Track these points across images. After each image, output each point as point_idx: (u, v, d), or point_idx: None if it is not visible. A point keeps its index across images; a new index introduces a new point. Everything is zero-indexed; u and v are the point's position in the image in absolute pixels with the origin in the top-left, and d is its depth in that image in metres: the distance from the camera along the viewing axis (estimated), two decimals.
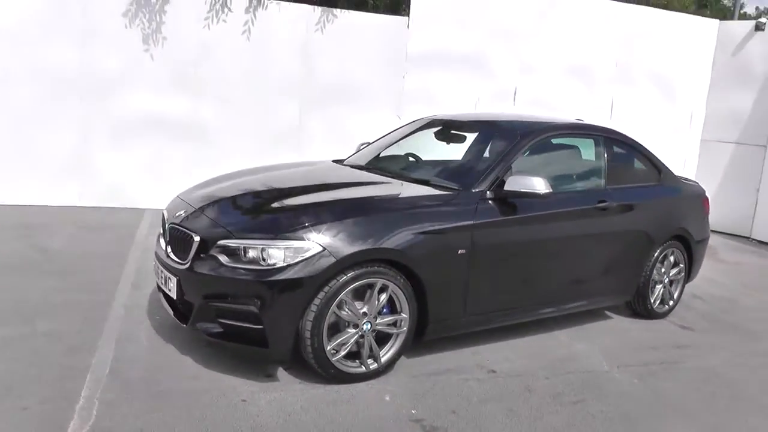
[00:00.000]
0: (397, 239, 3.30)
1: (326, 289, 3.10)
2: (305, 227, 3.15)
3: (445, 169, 4.34)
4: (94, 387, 3.07)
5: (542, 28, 8.38)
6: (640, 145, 4.85)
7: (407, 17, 7.79)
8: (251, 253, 3.12)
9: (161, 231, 3.81)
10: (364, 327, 3.28)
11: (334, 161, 4.89)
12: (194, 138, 7.17)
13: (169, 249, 3.51)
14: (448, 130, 4.71)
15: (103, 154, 6.88)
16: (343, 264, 3.12)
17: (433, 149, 4.86)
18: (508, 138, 4.11)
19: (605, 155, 4.51)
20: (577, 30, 8.54)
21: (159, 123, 7.01)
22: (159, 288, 3.80)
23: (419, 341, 3.58)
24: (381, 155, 4.77)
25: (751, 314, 5.24)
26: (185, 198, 3.86)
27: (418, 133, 4.93)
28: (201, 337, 3.53)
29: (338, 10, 7.47)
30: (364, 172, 4.29)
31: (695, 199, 5.09)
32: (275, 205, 3.61)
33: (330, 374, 3.24)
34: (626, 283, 4.58)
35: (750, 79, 8.84)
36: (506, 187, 3.71)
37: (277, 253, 3.07)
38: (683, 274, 4.98)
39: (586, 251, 4.25)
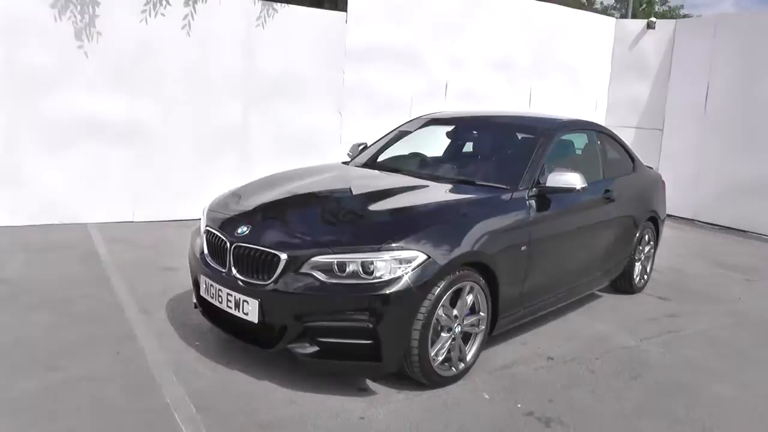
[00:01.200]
0: (482, 242, 3.37)
1: (430, 296, 3.08)
2: (408, 236, 3.09)
3: (482, 169, 4.39)
4: (194, 427, 2.79)
5: (469, 25, 8.72)
6: (619, 137, 5.31)
7: (345, 12, 7.72)
8: (351, 267, 3.00)
9: (204, 250, 3.51)
10: (456, 330, 3.31)
11: (345, 163, 4.79)
12: (134, 142, 6.56)
13: (234, 270, 3.25)
14: (459, 128, 4.81)
15: (35, 163, 6.07)
16: (445, 270, 3.12)
17: (437, 147, 4.94)
18: (535, 136, 4.31)
19: (600, 149, 4.90)
20: (500, 26, 9.00)
21: (94, 126, 6.32)
22: (205, 312, 3.52)
23: (489, 338, 3.68)
24: (391, 156, 4.75)
25: (701, 281, 5.97)
26: (231, 213, 3.59)
27: (420, 131, 4.97)
28: (267, 359, 3.40)
29: (279, 4, 7.20)
30: (401, 176, 4.25)
31: (658, 183, 5.69)
32: (356, 215, 3.47)
33: (432, 381, 3.23)
34: (619, 262, 5.02)
35: (645, 70, 9.95)
36: (548, 184, 3.91)
37: (383, 265, 2.99)
38: (653, 250, 5.57)
39: (598, 238, 4.59)
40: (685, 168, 9.36)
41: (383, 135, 5.17)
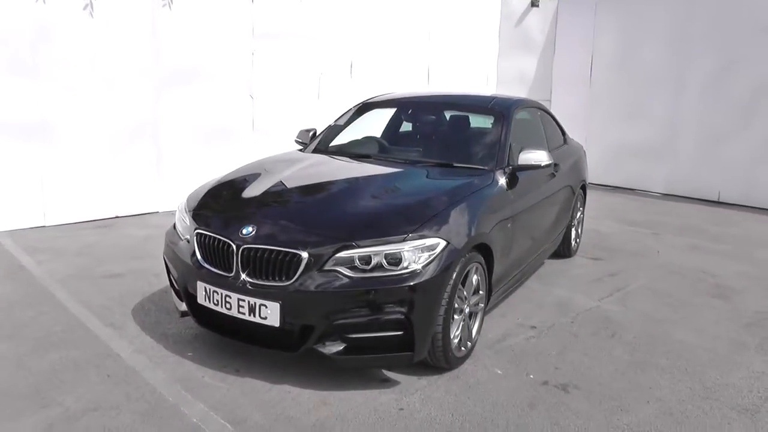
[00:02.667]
0: (484, 223, 3.47)
1: (451, 281, 3.13)
2: (427, 224, 3.10)
3: (455, 151, 4.40)
4: None
5: (370, 4, 8.69)
6: (551, 112, 5.64)
7: None
8: (376, 260, 2.96)
9: (198, 254, 3.27)
10: (465, 310, 3.40)
11: (300, 150, 4.65)
12: (37, 136, 5.84)
13: (243, 273, 3.07)
14: (416, 111, 4.83)
15: None
16: (461, 254, 3.18)
17: (393, 130, 4.94)
18: (495, 116, 4.46)
19: (542, 124, 5.18)
20: (398, 5, 9.07)
21: None
22: (203, 321, 3.31)
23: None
24: (351, 141, 4.68)
25: (618, 238, 6.57)
26: (223, 212, 3.38)
27: (370, 114, 4.94)
28: (274, 362, 3.32)
29: None
30: (378, 162, 4.21)
31: (582, 152, 6.13)
32: (366, 206, 3.37)
33: (450, 364, 3.30)
34: (562, 229, 5.39)
35: (532, 46, 10.57)
36: (519, 162, 4.09)
37: (410, 255, 2.98)
38: (582, 215, 6.03)
39: (551, 207, 4.89)
40: (573, 135, 10.07)
41: (337, 118, 5.05)
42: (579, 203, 5.81)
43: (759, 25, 8.04)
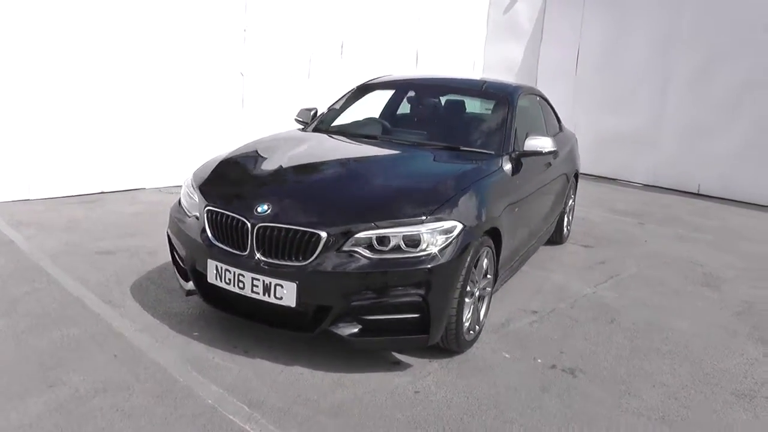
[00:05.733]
0: (495, 208, 3.48)
1: (466, 264, 3.13)
2: (445, 207, 3.09)
3: (462, 135, 4.40)
4: (260, 427, 2.61)
5: None
6: (549, 99, 5.66)
7: None
8: (394, 241, 2.94)
9: (208, 231, 3.19)
10: (476, 294, 3.41)
11: (302, 129, 4.58)
12: (21, 108, 5.60)
13: (258, 252, 3.01)
14: (418, 93, 4.79)
15: None
16: (476, 237, 3.18)
17: (393, 112, 4.90)
18: (500, 101, 4.46)
19: (542, 111, 5.21)
20: None
21: None
22: (213, 300, 3.25)
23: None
24: (353, 122, 4.63)
25: (606, 227, 6.67)
26: (235, 189, 3.30)
27: (370, 95, 4.89)
28: (282, 342, 3.30)
29: None
30: (384, 143, 4.19)
31: (575, 141, 6.19)
32: (383, 186, 3.34)
33: (461, 347, 3.31)
34: (557, 216, 5.45)
35: (519, 34, 10.60)
36: (525, 148, 4.10)
37: (428, 237, 2.97)
38: (574, 203, 6.10)
39: (549, 194, 4.92)
40: None
41: (338, 99, 4.98)
42: (571, 191, 5.88)
43: (744, 23, 8.19)
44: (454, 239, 3.04)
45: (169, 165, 6.76)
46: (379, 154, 3.94)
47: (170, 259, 3.72)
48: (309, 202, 3.16)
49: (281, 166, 3.57)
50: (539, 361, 3.43)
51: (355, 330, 2.98)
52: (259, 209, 3.06)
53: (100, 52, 6.04)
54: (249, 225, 3.03)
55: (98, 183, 6.22)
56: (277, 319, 3.09)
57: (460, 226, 3.08)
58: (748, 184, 8.26)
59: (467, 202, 3.25)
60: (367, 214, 3.02)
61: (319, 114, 4.81)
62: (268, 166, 3.57)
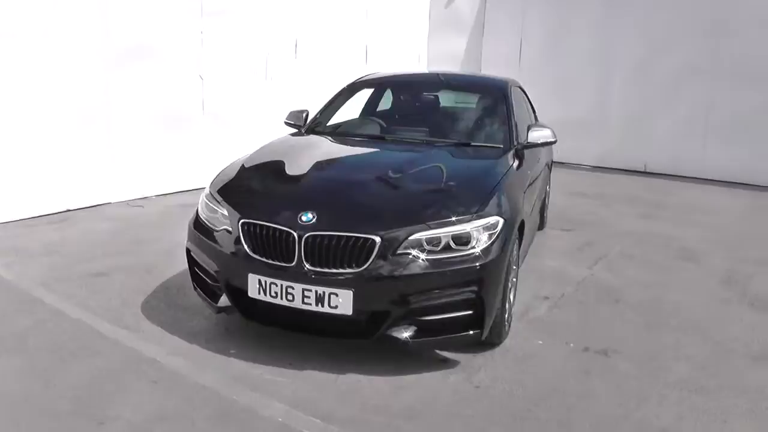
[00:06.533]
0: (520, 199, 3.57)
1: (508, 257, 3.19)
2: (488, 203, 3.15)
3: (469, 130, 4.45)
4: None
5: None
6: (525, 90, 5.82)
7: None
8: (444, 241, 2.96)
9: (248, 247, 3.06)
10: (510, 285, 3.48)
11: (298, 133, 4.48)
12: None
13: (308, 264, 2.94)
14: (413, 89, 4.80)
15: None
16: (513, 230, 3.25)
17: (388, 110, 4.88)
18: (496, 94, 4.55)
19: (524, 102, 5.35)
20: None
21: None
22: (253, 314, 3.15)
23: None
24: (349, 122, 4.59)
25: (577, 210, 6.94)
26: (270, 199, 3.23)
27: (362, 94, 4.86)
28: (323, 350, 3.24)
29: None
30: (396, 143, 4.20)
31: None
32: (422, 186, 3.36)
33: (501, 339, 3.37)
34: (542, 204, 5.63)
35: (461, 27, 10.80)
36: (529, 139, 4.21)
37: (477, 234, 3.01)
38: (549, 189, 6.31)
39: (540, 182, 5.07)
40: None
41: (330, 99, 4.88)
42: (549, 178, 6.09)
43: (683, 13, 8.75)
44: (498, 234, 3.09)
45: (134, 177, 6.42)
46: (398, 154, 3.94)
47: (188, 275, 3.57)
48: (355, 207, 3.12)
49: (309, 172, 3.50)
50: (571, 345, 3.55)
51: (411, 332, 2.97)
52: (304, 218, 2.98)
53: (59, 60, 5.63)
54: (296, 235, 2.95)
55: (62, 201, 5.81)
56: (329, 328, 3.04)
57: (501, 221, 3.14)
58: (690, 160, 8.85)
59: (503, 197, 3.31)
60: (419, 215, 3.02)
61: (311, 116, 4.72)
62: (294, 172, 3.48)
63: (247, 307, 3.17)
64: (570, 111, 9.80)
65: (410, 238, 2.92)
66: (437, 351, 3.34)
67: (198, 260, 3.41)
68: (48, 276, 4.25)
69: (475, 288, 2.97)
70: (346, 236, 2.91)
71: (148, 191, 6.57)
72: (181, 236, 5.30)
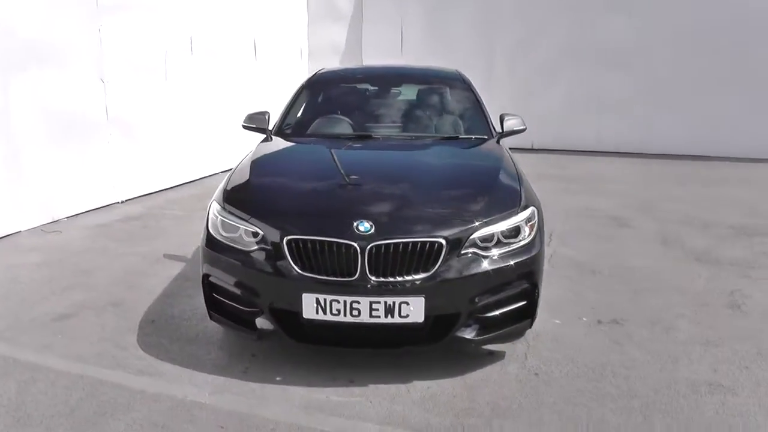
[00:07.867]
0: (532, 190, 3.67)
1: (544, 244, 3.28)
2: (523, 194, 3.23)
3: (450, 123, 4.43)
4: None
5: None
6: None
7: None
8: (497, 236, 2.98)
9: (297, 266, 2.84)
10: None
11: (267, 138, 4.22)
12: None
13: (372, 275, 2.79)
14: (378, 84, 4.70)
15: None
16: (542, 217, 3.34)
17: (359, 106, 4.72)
18: (461, 85, 4.63)
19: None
20: None
21: None
22: (307, 337, 2.94)
23: None
24: (324, 122, 4.38)
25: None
26: (314, 213, 3.05)
27: (323, 91, 4.70)
28: (378, 361, 3.16)
29: None
30: (386, 142, 4.15)
31: None
32: (459, 184, 3.36)
33: (532, 324, 3.45)
34: None
35: (339, 16, 10.75)
36: (506, 128, 4.35)
37: (523, 225, 3.08)
38: None
39: None
40: None
41: (291, 99, 4.60)
42: None
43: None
44: (537, 224, 3.18)
45: (41, 198, 5.60)
46: (402, 152, 3.92)
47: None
48: (410, 211, 3.02)
49: (337, 179, 3.33)
50: (584, 319, 3.77)
51: (476, 331, 2.97)
52: (361, 228, 2.83)
53: None
54: (357, 247, 2.79)
55: None
56: (394, 338, 2.93)
57: (536, 210, 3.23)
58: (574, 135, 9.70)
59: (528, 187, 3.41)
60: (476, 213, 3.02)
61: (277, 117, 4.45)
62: (320, 181, 3.28)
63: (295, 329, 2.95)
64: None
65: (472, 236, 2.91)
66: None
67: (222, 285, 3.08)
68: (1, 327, 3.58)
69: (529, 278, 3.04)
70: (412, 242, 2.82)
71: (57, 213, 5.77)
72: (124, 261, 4.84)
